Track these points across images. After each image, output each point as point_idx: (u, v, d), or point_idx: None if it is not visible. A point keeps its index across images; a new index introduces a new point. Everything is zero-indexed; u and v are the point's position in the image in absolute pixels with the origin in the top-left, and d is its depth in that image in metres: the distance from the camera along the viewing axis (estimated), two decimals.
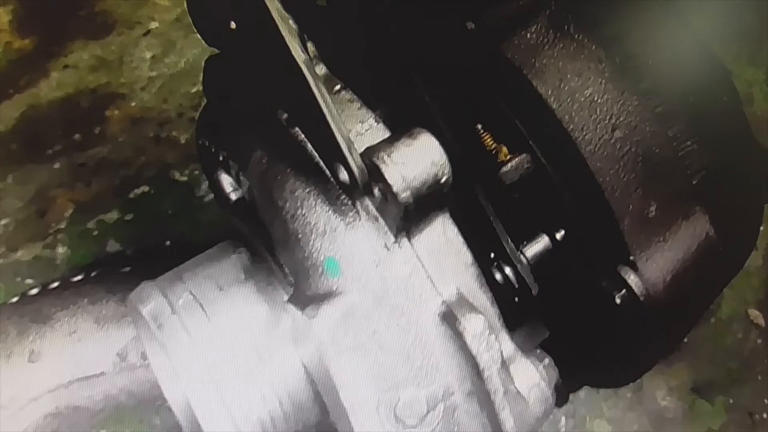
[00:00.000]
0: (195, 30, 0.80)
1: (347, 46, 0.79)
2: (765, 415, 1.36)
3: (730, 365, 1.41)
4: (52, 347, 0.94)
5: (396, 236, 0.67)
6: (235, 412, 0.69)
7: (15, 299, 1.02)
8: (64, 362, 0.94)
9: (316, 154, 0.69)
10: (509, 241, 0.72)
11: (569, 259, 0.72)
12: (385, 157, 0.62)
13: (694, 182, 0.74)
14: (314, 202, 0.68)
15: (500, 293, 0.72)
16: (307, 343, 0.69)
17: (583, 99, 0.70)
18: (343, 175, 0.64)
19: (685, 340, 1.41)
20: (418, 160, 0.62)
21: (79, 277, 1.07)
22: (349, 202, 0.68)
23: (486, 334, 0.65)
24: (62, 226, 1.51)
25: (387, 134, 0.72)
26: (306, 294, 0.69)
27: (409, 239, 0.68)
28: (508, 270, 0.72)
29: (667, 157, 0.72)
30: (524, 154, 0.71)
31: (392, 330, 0.66)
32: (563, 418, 1.33)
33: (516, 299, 0.72)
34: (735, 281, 0.89)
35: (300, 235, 0.69)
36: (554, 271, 0.72)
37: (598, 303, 0.70)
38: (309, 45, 0.76)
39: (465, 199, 0.72)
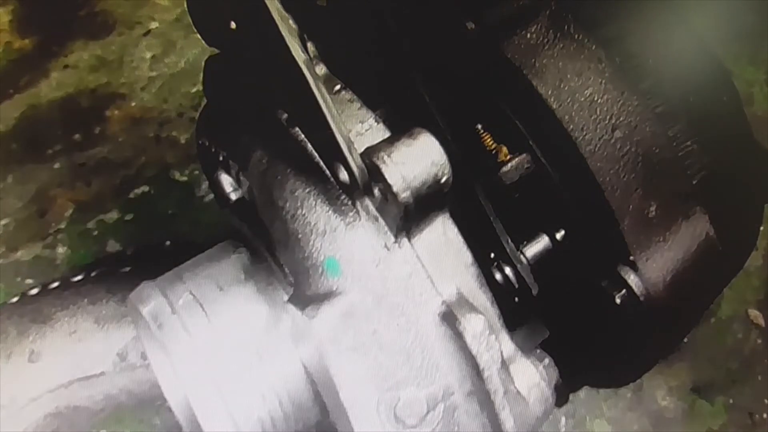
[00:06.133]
0: (195, 30, 0.80)
1: (347, 46, 0.79)
2: (765, 415, 1.36)
3: (730, 365, 1.41)
4: (52, 347, 0.94)
5: (396, 236, 0.67)
6: (235, 412, 0.69)
7: (15, 299, 1.02)
8: (64, 362, 0.94)
9: (316, 154, 0.69)
10: (509, 241, 0.72)
11: (569, 259, 0.72)
12: (385, 157, 0.62)
13: (694, 182, 0.74)
14: (314, 202, 0.68)
15: (500, 293, 0.72)
16: (307, 343, 0.69)
17: (583, 99, 0.70)
18: (343, 175, 0.64)
19: (685, 340, 1.41)
20: (418, 160, 0.62)
21: (79, 277, 1.07)
22: (349, 202, 0.68)
23: (486, 334, 0.65)
24: (62, 226, 1.51)
25: (387, 134, 0.72)
26: (306, 294, 0.69)
27: (409, 239, 0.68)
28: (508, 270, 0.72)
29: (667, 157, 0.72)
30: (524, 154, 0.71)
31: (392, 330, 0.66)
32: (563, 418, 1.33)
33: (516, 299, 0.72)
34: (735, 281, 0.89)
35: (300, 235, 0.69)
36: (554, 271, 0.72)
37: (598, 303, 0.70)
38: (309, 45, 0.76)
39: (465, 199, 0.72)
